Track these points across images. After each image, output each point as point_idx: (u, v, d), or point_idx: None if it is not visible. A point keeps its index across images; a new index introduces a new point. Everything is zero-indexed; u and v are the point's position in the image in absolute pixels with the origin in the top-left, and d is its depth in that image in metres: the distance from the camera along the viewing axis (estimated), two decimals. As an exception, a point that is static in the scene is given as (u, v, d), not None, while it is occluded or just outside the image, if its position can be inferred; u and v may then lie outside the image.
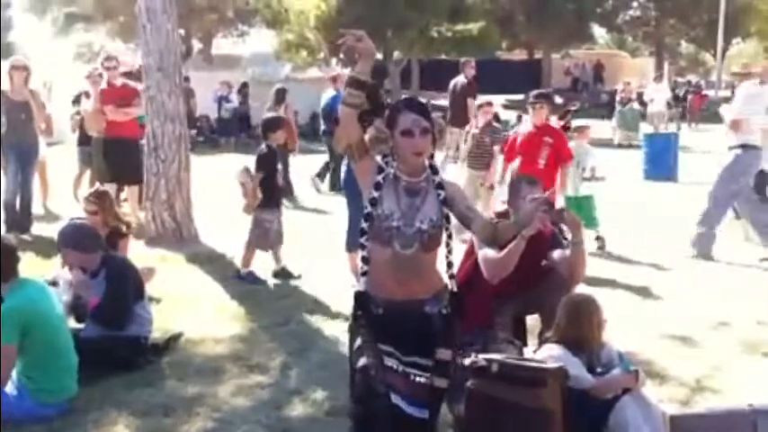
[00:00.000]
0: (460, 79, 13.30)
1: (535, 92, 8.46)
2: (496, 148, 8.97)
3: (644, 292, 6.80)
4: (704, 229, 8.07)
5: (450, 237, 3.41)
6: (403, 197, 3.34)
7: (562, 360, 3.77)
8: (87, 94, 10.13)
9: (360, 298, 3.42)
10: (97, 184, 8.19)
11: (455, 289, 3.45)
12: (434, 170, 3.41)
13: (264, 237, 7.20)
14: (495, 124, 9.90)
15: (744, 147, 7.91)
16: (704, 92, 31.37)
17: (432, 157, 3.42)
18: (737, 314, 6.04)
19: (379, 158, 3.41)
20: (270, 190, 7.15)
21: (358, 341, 3.38)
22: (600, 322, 4.04)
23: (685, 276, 7.30)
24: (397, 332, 3.35)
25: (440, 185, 3.36)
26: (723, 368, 5.05)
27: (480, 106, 9.33)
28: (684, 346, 5.50)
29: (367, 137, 3.42)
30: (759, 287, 6.80)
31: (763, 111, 7.93)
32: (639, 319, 5.90)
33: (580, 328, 3.99)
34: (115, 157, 9.40)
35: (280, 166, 7.25)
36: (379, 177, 3.35)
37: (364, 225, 3.36)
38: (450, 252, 3.43)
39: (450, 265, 3.44)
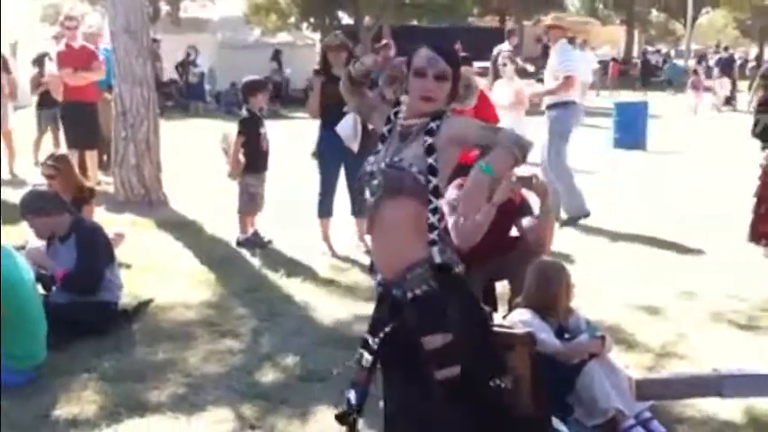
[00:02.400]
0: (504, 46, 13.63)
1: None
2: None
3: (612, 259, 6.88)
4: (567, 194, 8.03)
5: (435, 194, 2.81)
6: (395, 142, 2.95)
7: (531, 324, 3.82)
8: (51, 57, 9.98)
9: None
10: (63, 148, 8.10)
11: (437, 259, 2.83)
12: (437, 116, 2.89)
13: (251, 202, 7.18)
14: None
15: (564, 104, 7.94)
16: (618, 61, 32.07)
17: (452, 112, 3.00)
18: (705, 285, 6.12)
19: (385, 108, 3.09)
20: (253, 155, 7.10)
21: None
22: (568, 287, 4.09)
23: (655, 244, 7.38)
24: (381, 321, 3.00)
25: (430, 131, 2.84)
26: (688, 335, 5.13)
27: None
28: (651, 313, 5.57)
29: (383, 77, 3.17)
30: (728, 259, 6.88)
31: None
32: (606, 288, 5.95)
33: (549, 293, 4.03)
34: (72, 121, 9.28)
35: (263, 131, 7.18)
36: (386, 129, 3.00)
37: (360, 173, 3.05)
38: (433, 212, 2.81)
39: (431, 227, 2.82)
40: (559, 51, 8.05)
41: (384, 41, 14.83)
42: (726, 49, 27.51)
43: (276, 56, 23.34)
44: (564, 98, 7.94)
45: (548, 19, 8.66)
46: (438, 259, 2.82)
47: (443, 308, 2.82)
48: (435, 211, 2.81)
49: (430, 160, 2.80)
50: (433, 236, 2.82)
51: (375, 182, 2.89)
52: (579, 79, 7.98)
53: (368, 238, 3.14)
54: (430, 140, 2.82)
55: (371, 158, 2.96)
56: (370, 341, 2.97)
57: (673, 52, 41.61)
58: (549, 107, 8.06)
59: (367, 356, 2.96)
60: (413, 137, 2.88)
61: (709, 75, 25.16)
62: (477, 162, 2.73)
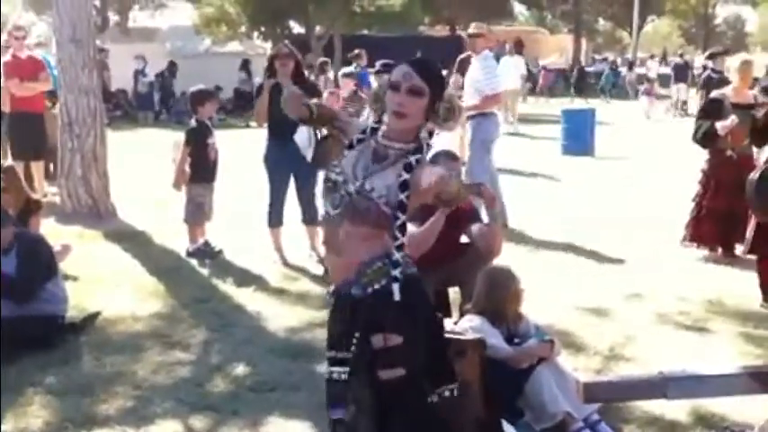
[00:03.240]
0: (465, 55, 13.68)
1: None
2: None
3: (560, 264, 6.95)
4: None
5: (402, 230, 2.76)
6: (366, 157, 2.84)
7: (481, 330, 3.85)
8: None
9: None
10: (9, 160, 7.97)
11: (397, 297, 2.75)
12: (419, 149, 2.81)
13: (198, 212, 7.11)
14: (360, 94, 9.89)
15: (483, 114, 8.00)
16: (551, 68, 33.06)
17: (430, 135, 2.88)
18: (651, 287, 6.22)
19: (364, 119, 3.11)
20: (200, 165, 7.04)
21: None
22: (517, 293, 4.12)
23: (602, 249, 7.47)
24: (339, 327, 2.93)
25: (408, 167, 2.75)
26: (635, 338, 5.21)
27: (345, 75, 9.25)
28: (598, 317, 5.65)
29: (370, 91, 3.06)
30: (674, 262, 7.00)
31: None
32: (555, 292, 6.01)
33: (498, 299, 4.07)
34: (18, 132, 9.16)
35: (211, 140, 7.11)
36: (356, 137, 2.90)
37: (324, 177, 2.95)
38: (398, 248, 2.77)
39: (395, 264, 2.77)
40: (482, 63, 8.07)
41: (356, 51, 14.80)
42: (681, 55, 28.62)
43: (245, 65, 23.23)
44: (481, 109, 7.97)
45: (471, 27, 8.66)
46: (397, 296, 2.75)
47: (399, 305, 2.75)
48: (401, 247, 2.77)
49: (402, 197, 2.73)
50: (396, 273, 2.76)
51: (338, 195, 2.81)
52: (505, 89, 8.04)
53: (321, 247, 3.10)
54: (406, 177, 2.74)
55: (337, 166, 2.86)
56: (339, 355, 2.89)
57: (619, 60, 42.35)
58: (469, 118, 8.06)
59: (339, 370, 2.89)
60: (388, 163, 2.80)
61: (641, 81, 26.08)
62: None
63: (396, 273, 2.76)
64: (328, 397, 2.96)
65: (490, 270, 4.26)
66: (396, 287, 2.76)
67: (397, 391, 2.77)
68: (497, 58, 10.40)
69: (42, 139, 9.30)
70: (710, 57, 13.71)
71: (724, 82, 11.22)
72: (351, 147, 2.90)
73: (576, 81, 31.18)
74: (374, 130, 2.90)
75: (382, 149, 2.83)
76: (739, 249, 6.80)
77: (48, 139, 9.45)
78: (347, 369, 2.86)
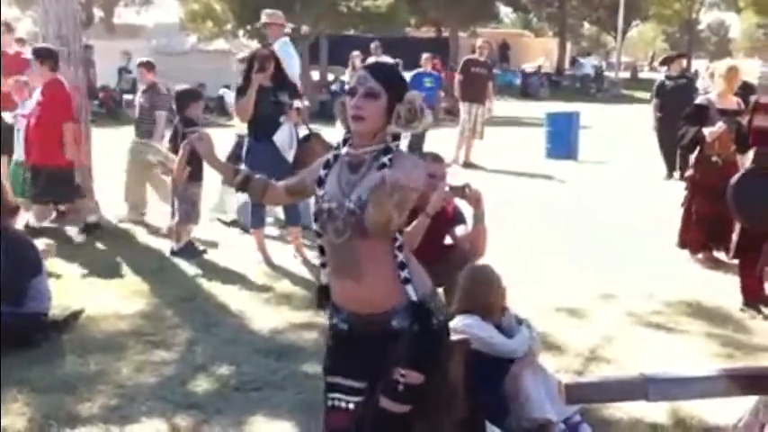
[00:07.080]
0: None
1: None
2: (158, 113, 8.56)
3: (542, 267, 6.98)
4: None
5: (399, 231, 2.72)
6: (345, 173, 2.79)
7: (476, 327, 3.87)
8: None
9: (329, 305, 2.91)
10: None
11: (414, 297, 2.73)
12: (388, 150, 2.74)
13: (192, 210, 7.09)
14: (160, 87, 9.24)
15: None
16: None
17: (395, 138, 2.80)
18: (632, 289, 6.28)
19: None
20: (194, 163, 7.02)
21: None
22: (500, 289, 4.13)
23: (584, 252, 7.53)
24: (355, 355, 2.86)
25: (383, 166, 2.67)
26: (615, 338, 5.26)
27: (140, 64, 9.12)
28: (579, 318, 5.69)
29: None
30: (658, 265, 7.04)
31: None
32: (536, 294, 6.02)
33: (483, 295, 4.06)
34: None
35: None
36: (330, 155, 2.87)
37: (315, 210, 2.86)
38: (399, 249, 2.72)
39: (401, 265, 2.72)
40: (280, 50, 7.99)
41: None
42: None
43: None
44: None
45: (263, 16, 8.54)
46: (414, 297, 2.73)
47: (439, 348, 2.80)
48: (401, 248, 2.73)
49: None
50: (405, 274, 2.73)
51: (339, 223, 2.73)
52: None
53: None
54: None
55: (324, 194, 2.80)
56: (347, 383, 2.87)
57: (604, 64, 42.63)
58: None
59: (345, 398, 2.87)
60: (365, 169, 2.75)
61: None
62: None
63: (405, 274, 2.73)
64: (327, 424, 2.93)
65: (472, 268, 4.26)
66: (410, 288, 2.73)
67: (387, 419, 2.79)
68: None
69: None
70: (664, 62, 13.80)
71: (681, 89, 11.33)
72: (327, 166, 2.86)
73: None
74: (345, 141, 2.86)
75: (355, 159, 2.79)
76: (723, 254, 6.87)
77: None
78: (357, 399, 2.85)
